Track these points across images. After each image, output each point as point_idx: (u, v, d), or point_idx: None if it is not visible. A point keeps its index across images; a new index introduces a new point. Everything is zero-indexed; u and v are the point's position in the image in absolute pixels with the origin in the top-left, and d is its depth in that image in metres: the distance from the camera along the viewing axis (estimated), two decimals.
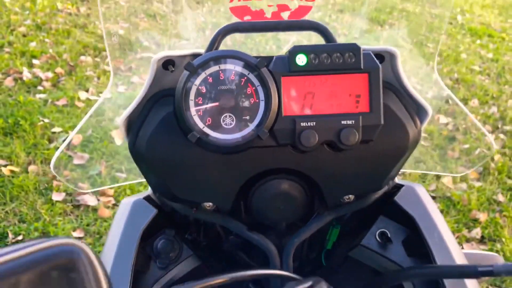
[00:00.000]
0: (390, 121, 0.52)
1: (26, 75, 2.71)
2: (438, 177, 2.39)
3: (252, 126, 0.51)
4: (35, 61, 2.90)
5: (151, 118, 0.53)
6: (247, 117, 0.50)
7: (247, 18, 0.59)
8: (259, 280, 0.61)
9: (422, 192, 0.60)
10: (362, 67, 0.50)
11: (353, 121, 0.50)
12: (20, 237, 1.65)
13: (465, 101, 3.36)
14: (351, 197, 0.56)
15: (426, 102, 0.54)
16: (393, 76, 0.55)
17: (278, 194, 0.55)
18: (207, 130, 0.50)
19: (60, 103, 2.50)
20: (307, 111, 0.51)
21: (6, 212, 1.74)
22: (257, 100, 0.50)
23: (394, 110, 0.53)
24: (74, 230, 1.70)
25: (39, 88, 2.63)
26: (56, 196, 1.83)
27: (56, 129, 2.25)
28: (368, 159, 0.53)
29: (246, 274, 0.42)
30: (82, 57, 3.11)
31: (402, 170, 0.63)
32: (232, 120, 0.51)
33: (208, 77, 0.51)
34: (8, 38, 3.13)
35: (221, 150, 0.52)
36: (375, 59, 0.51)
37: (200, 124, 0.50)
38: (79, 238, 1.68)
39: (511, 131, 2.99)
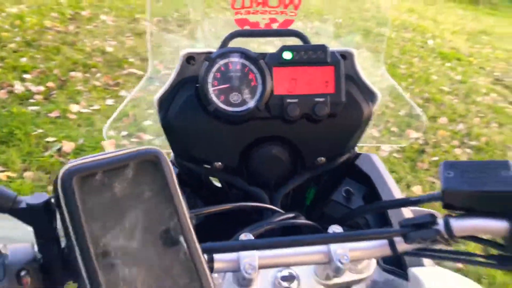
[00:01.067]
0: (350, 102, 0.71)
1: (19, 88, 2.82)
2: (408, 186, 2.58)
3: (252, 102, 0.68)
4: (26, 76, 3.01)
5: (178, 98, 0.70)
6: (249, 95, 0.69)
7: (246, 27, 0.78)
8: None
9: (376, 159, 0.78)
10: (329, 61, 0.69)
11: (323, 99, 0.69)
12: None
13: (434, 118, 3.59)
14: (323, 159, 0.74)
15: (376, 89, 0.73)
16: (352, 70, 0.73)
17: (269, 156, 0.73)
18: (221, 104, 0.68)
19: (53, 115, 2.62)
20: (292, 92, 0.68)
21: None
22: (256, 84, 0.69)
23: (353, 94, 0.72)
24: None
25: (31, 100, 2.74)
26: None
27: (50, 139, 2.36)
28: (334, 129, 0.72)
29: (244, 204, 0.58)
30: (72, 73, 3.24)
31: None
32: (238, 98, 0.69)
33: (222, 67, 0.68)
34: None
35: (230, 119, 0.68)
36: (339, 56, 0.70)
37: (216, 100, 0.68)
38: None
39: (476, 146, 3.22)
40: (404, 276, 0.60)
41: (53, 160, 2.19)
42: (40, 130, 2.41)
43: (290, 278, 0.53)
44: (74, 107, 2.73)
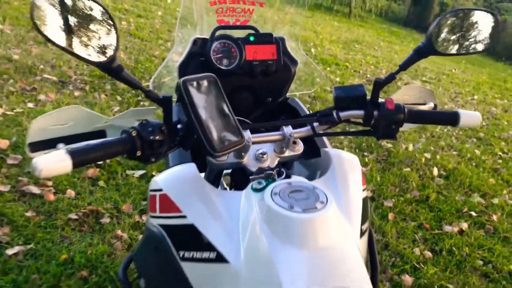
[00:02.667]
0: (284, 65, 1.18)
1: None
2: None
3: (235, 64, 1.10)
4: None
5: (191, 65, 1.08)
6: (232, 61, 1.10)
7: (222, 24, 1.18)
8: None
9: (298, 100, 1.23)
10: (273, 42, 1.13)
11: (271, 62, 1.15)
12: None
13: None
14: (270, 99, 1.19)
15: (297, 58, 1.19)
16: (284, 47, 1.19)
17: (242, 97, 1.14)
18: (217, 65, 1.09)
19: None
20: (255, 58, 1.12)
21: None
22: (236, 54, 1.11)
23: (286, 61, 1.19)
24: (26, 211, 2.00)
25: None
26: (2, 187, 2.11)
27: None
28: (276, 80, 1.19)
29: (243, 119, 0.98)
30: None
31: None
32: (226, 62, 1.10)
33: (217, 44, 1.08)
34: None
35: (222, 74, 1.08)
36: (278, 39, 1.15)
37: (215, 63, 1.08)
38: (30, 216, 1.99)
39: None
40: (318, 154, 1.04)
41: None
42: None
43: (263, 153, 0.94)
44: None
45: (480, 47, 0.99)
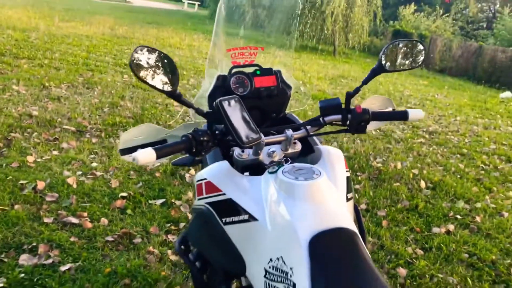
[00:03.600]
0: (282, 90, 1.53)
1: None
2: None
3: (247, 90, 1.46)
4: None
5: (217, 95, 1.43)
6: (246, 89, 1.46)
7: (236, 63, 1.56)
8: None
9: (295, 115, 1.61)
10: (273, 73, 1.51)
11: (273, 88, 1.50)
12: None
13: None
14: (274, 115, 1.54)
15: (291, 84, 1.57)
16: (281, 77, 1.56)
17: (254, 114, 1.50)
18: (236, 92, 1.44)
19: (14, 165, 3.07)
20: (261, 85, 1.49)
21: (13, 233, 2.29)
22: (247, 84, 1.47)
23: (283, 87, 1.55)
24: (70, 237, 2.34)
25: None
26: (47, 219, 2.45)
27: (23, 181, 2.83)
28: (277, 101, 1.54)
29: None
30: (12, 134, 3.67)
31: None
32: (242, 90, 1.45)
33: (234, 78, 1.45)
34: None
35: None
36: (276, 71, 1.53)
37: (234, 91, 1.44)
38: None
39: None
40: (312, 151, 1.40)
41: (33, 195, 2.68)
42: (10, 177, 2.86)
43: (273, 151, 1.30)
44: (30, 158, 3.20)
45: (415, 64, 1.40)
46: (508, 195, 3.89)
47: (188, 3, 32.63)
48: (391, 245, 2.74)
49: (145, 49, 1.08)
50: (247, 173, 1.30)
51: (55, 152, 3.47)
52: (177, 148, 1.08)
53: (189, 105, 1.15)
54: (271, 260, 1.05)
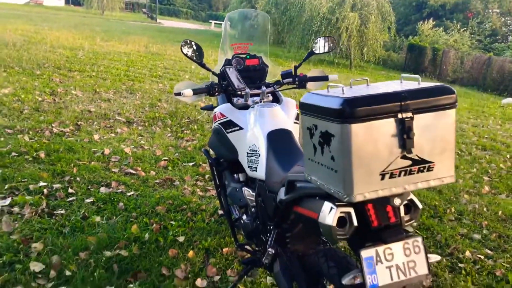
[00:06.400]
0: (263, 67, 2.57)
1: (55, 130, 4.38)
2: None
3: (243, 66, 2.51)
4: (53, 124, 4.56)
5: (223, 70, 2.49)
6: (242, 66, 2.50)
7: (236, 52, 2.59)
8: None
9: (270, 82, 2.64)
10: (257, 57, 2.55)
11: (258, 65, 2.49)
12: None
13: None
14: (258, 82, 2.59)
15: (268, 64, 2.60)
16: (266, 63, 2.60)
17: (246, 81, 2.55)
18: (237, 67, 2.50)
19: (86, 140, 4.21)
20: (251, 64, 2.53)
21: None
22: (242, 63, 2.52)
23: (263, 66, 2.59)
24: (131, 180, 3.42)
25: (66, 136, 4.30)
26: (115, 170, 3.55)
27: (94, 149, 3.96)
28: (260, 73, 2.54)
29: None
30: (79, 122, 4.84)
31: None
32: (240, 66, 2.50)
33: (235, 61, 2.48)
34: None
35: (238, 71, 2.51)
36: (259, 56, 2.57)
37: (235, 67, 2.50)
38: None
39: None
40: (278, 101, 2.44)
41: (102, 157, 3.80)
42: (85, 146, 4.00)
43: (254, 100, 2.33)
44: (95, 136, 4.34)
45: (331, 49, 2.42)
46: (471, 171, 4.80)
47: (215, 23, 34.35)
48: None
49: (186, 40, 2.16)
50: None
51: (112, 135, 4.61)
52: (202, 90, 2.15)
53: (209, 69, 2.22)
54: (249, 147, 2.09)
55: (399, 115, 1.19)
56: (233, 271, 2.37)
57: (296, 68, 2.41)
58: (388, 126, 1.19)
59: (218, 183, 2.45)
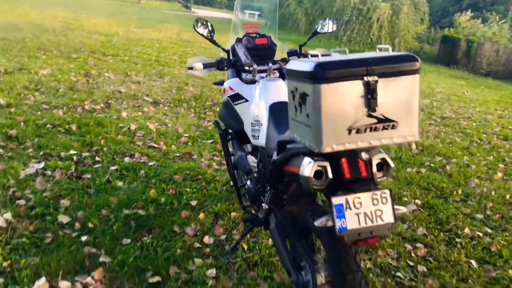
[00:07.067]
0: (272, 46, 2.77)
1: (87, 107, 4.71)
2: None
3: (253, 45, 2.70)
4: (85, 102, 4.90)
5: (235, 46, 2.70)
6: (251, 44, 2.69)
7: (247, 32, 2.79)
8: None
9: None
10: (266, 37, 2.73)
11: (267, 44, 2.68)
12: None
13: None
14: (267, 60, 2.78)
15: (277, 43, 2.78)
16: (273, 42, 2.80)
17: (256, 59, 2.75)
18: (247, 45, 2.70)
19: (114, 117, 4.52)
20: (260, 43, 2.72)
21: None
22: (251, 42, 2.71)
23: (272, 45, 2.78)
24: (153, 152, 3.70)
25: (97, 113, 4.62)
26: (139, 143, 3.84)
27: (121, 125, 4.25)
28: (269, 51, 2.75)
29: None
30: (109, 101, 5.16)
31: None
32: (250, 45, 2.68)
33: (245, 39, 2.69)
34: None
35: (248, 49, 2.69)
36: (268, 36, 2.76)
37: (245, 45, 2.70)
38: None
39: None
40: (284, 77, 2.63)
41: (128, 131, 4.10)
42: (113, 122, 4.30)
43: (261, 76, 2.52)
44: (123, 114, 4.65)
45: (334, 30, 2.58)
46: (487, 158, 4.85)
47: (249, 13, 34.51)
48: None
49: (198, 19, 2.37)
50: None
51: (139, 113, 4.90)
52: (212, 64, 2.36)
53: (219, 46, 2.43)
54: (253, 117, 2.30)
55: (365, 78, 1.37)
56: (238, 232, 2.60)
57: (301, 46, 2.59)
58: (355, 87, 1.37)
59: (227, 152, 2.67)
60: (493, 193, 3.77)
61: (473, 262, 2.63)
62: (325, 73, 1.35)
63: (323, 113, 1.36)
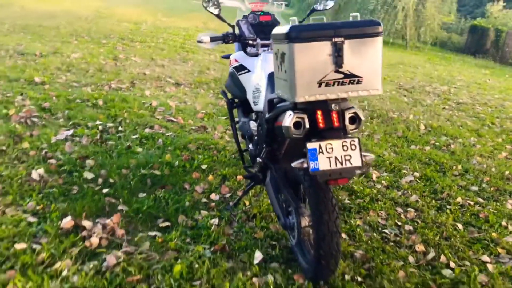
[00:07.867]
0: (275, 22, 3.02)
1: (113, 86, 5.09)
2: None
3: (257, 21, 2.97)
4: (112, 82, 5.27)
5: (242, 21, 2.97)
6: (256, 21, 2.96)
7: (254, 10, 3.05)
8: None
9: None
10: (270, 14, 2.99)
11: (270, 21, 2.96)
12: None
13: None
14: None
15: (281, 21, 3.03)
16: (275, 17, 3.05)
17: (260, 34, 3.01)
18: (252, 22, 2.97)
19: (138, 94, 4.87)
20: (264, 20, 2.98)
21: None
22: (256, 18, 2.98)
23: (275, 22, 3.04)
24: (171, 125, 4.02)
25: (122, 91, 4.99)
26: (160, 117, 4.17)
27: (143, 101, 4.60)
28: (272, 28, 3.02)
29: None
30: (135, 81, 5.52)
31: None
32: (255, 21, 2.94)
33: (251, 16, 2.96)
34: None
35: (253, 25, 2.96)
36: (272, 13, 3.01)
37: (251, 21, 2.97)
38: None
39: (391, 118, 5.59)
40: None
41: (150, 107, 4.44)
42: (136, 99, 4.65)
43: (264, 49, 2.78)
44: (146, 92, 4.99)
45: (331, 4, 2.82)
46: (496, 140, 4.97)
47: (277, 4, 34.64)
48: (373, 150, 4.09)
49: None
50: None
51: (162, 92, 5.25)
52: (218, 38, 2.64)
53: (225, 21, 2.71)
54: (254, 86, 2.57)
55: (333, 39, 1.63)
56: (242, 192, 2.89)
57: (301, 22, 2.84)
58: (324, 47, 1.63)
59: (232, 118, 2.96)
60: (493, 169, 3.93)
61: (459, 225, 2.84)
62: (299, 34, 1.62)
63: (297, 69, 1.63)
